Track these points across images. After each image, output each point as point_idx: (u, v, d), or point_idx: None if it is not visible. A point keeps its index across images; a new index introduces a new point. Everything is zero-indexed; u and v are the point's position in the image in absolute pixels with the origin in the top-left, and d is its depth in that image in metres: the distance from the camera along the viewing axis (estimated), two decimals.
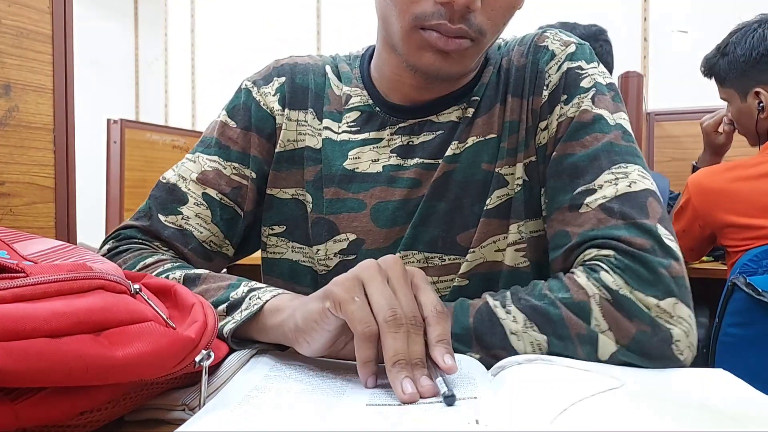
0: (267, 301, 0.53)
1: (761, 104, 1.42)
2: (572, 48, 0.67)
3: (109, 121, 1.98)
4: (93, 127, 2.50)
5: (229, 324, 0.53)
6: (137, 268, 0.64)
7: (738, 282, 1.25)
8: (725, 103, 1.58)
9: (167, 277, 0.61)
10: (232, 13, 3.78)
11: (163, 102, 4.02)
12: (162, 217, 0.70)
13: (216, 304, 0.56)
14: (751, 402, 0.42)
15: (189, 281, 0.60)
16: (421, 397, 0.41)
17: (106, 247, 0.70)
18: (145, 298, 0.42)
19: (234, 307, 0.55)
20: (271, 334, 0.52)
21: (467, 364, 0.49)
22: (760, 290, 1.21)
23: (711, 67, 1.51)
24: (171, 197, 0.71)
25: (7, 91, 0.82)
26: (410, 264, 0.68)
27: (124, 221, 0.74)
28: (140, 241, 0.70)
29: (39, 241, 0.54)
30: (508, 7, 0.61)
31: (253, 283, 0.58)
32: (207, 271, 0.63)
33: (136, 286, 0.42)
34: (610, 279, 0.53)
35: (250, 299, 0.54)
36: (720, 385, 0.46)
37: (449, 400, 0.40)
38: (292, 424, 0.38)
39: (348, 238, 0.70)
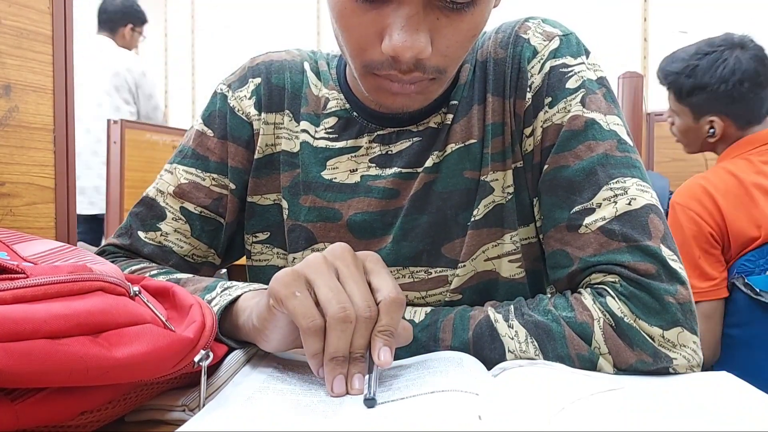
0: (238, 297, 0.53)
1: (713, 130, 1.38)
2: (556, 43, 0.62)
3: (109, 121, 1.98)
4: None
5: None
6: (125, 272, 0.64)
7: (737, 282, 1.26)
8: None
9: None
10: (232, 13, 3.78)
11: (163, 102, 4.02)
12: (142, 234, 0.70)
13: None
14: (755, 402, 0.42)
15: None
16: (349, 394, 0.42)
17: None
18: (144, 300, 0.42)
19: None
20: (241, 334, 0.52)
21: (469, 362, 0.49)
22: (758, 290, 1.22)
23: (672, 82, 1.42)
24: (150, 213, 0.70)
25: (7, 91, 0.82)
26: (395, 279, 0.66)
27: (108, 238, 0.73)
28: (123, 256, 0.71)
29: (39, 243, 0.54)
30: (467, 38, 0.55)
31: (229, 282, 0.58)
32: (188, 276, 0.63)
33: (136, 288, 0.42)
34: (616, 306, 0.52)
35: (221, 297, 0.54)
36: (723, 386, 0.46)
37: (368, 402, 0.40)
38: (295, 424, 0.38)
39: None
